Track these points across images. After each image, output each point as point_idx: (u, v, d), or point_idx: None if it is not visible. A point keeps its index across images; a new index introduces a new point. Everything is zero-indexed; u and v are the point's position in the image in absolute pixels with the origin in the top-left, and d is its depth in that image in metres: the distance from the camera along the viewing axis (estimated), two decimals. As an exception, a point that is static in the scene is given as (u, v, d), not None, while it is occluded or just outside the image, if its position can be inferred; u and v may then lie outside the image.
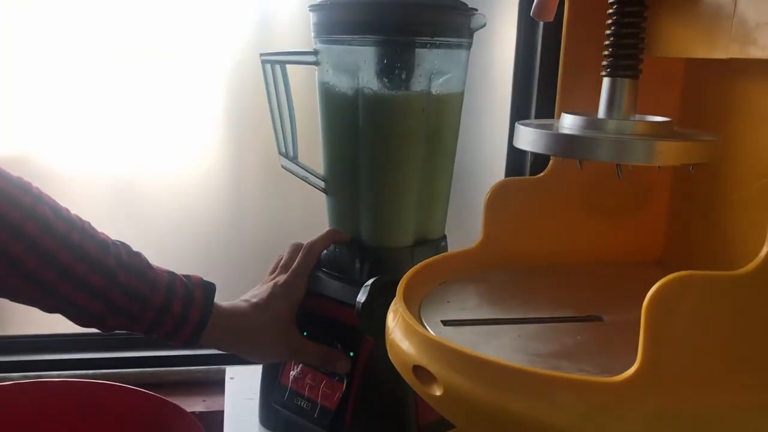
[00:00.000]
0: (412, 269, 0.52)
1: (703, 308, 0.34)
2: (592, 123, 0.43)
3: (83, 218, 0.60)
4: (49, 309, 0.60)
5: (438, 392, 0.39)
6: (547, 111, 1.01)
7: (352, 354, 0.68)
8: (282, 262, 0.72)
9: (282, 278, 0.69)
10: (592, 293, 0.53)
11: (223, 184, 1.04)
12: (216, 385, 1.06)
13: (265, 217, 1.06)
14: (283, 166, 0.73)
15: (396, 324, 0.45)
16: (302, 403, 0.70)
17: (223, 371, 1.06)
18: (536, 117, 1.03)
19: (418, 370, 0.41)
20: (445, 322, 0.46)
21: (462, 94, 0.71)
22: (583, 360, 0.41)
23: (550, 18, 0.62)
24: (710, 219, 0.55)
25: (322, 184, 0.72)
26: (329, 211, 0.73)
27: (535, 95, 0.99)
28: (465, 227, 0.88)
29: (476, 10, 0.68)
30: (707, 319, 0.34)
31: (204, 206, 1.04)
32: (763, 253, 0.33)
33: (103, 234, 0.61)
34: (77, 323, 0.61)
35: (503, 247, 0.57)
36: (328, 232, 0.71)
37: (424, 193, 0.69)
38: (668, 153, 0.40)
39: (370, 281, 0.57)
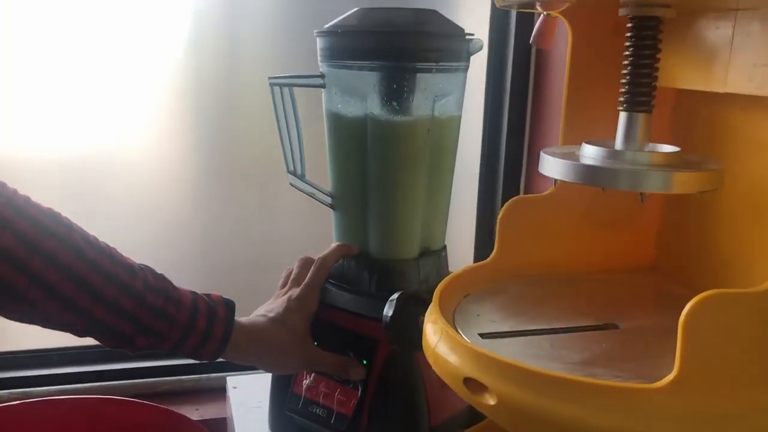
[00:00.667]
0: (441, 285, 0.56)
1: (730, 321, 0.39)
2: (613, 154, 0.48)
3: (109, 244, 0.62)
4: (83, 332, 0.62)
5: (492, 402, 0.43)
6: (518, 134, 1.08)
7: (365, 362, 0.71)
8: (292, 276, 0.75)
9: (296, 292, 0.73)
10: (601, 301, 0.59)
11: (187, 183, 1.06)
12: (208, 393, 1.09)
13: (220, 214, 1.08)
14: (291, 184, 0.76)
15: (440, 339, 0.49)
16: (317, 410, 0.73)
17: (215, 379, 1.09)
18: (508, 135, 1.09)
19: (469, 381, 0.45)
20: (483, 335, 0.50)
21: (460, 113, 0.75)
22: (614, 366, 0.46)
23: (549, 45, 0.67)
24: (697, 228, 0.61)
25: (329, 200, 0.76)
26: (336, 226, 0.77)
27: (506, 113, 1.05)
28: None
29: (473, 35, 0.72)
30: (733, 329, 0.39)
31: (168, 202, 1.06)
32: (779, 273, 0.39)
33: (129, 258, 0.64)
34: (109, 345, 0.63)
35: (516, 260, 0.62)
36: (338, 247, 0.74)
37: (428, 207, 0.74)
38: (685, 183, 0.46)
39: (396, 295, 0.61)
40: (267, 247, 1.09)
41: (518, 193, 1.13)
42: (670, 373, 0.40)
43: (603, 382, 0.41)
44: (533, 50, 1.07)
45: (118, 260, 0.62)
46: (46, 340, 1.02)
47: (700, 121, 0.59)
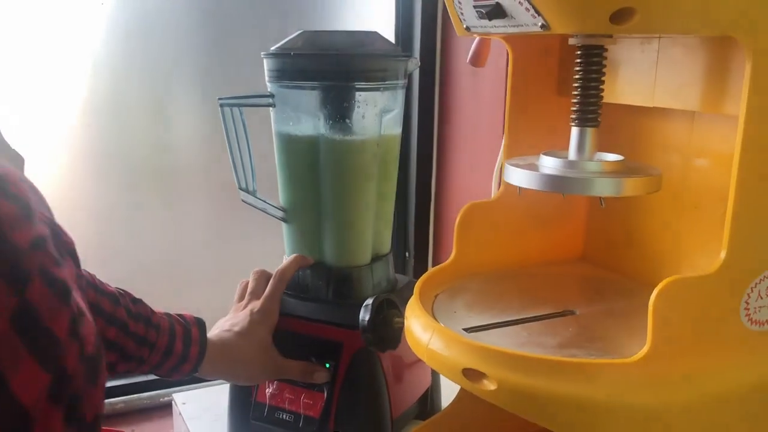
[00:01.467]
0: (417, 286, 0.61)
1: (689, 300, 0.48)
2: (569, 164, 0.56)
3: (88, 271, 0.63)
4: None
5: (492, 387, 0.49)
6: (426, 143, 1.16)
7: (327, 365, 0.75)
8: (249, 289, 0.78)
9: (257, 305, 0.75)
10: (552, 291, 0.66)
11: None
12: (142, 413, 1.08)
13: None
14: (242, 200, 0.79)
15: (432, 335, 0.54)
16: (284, 416, 0.76)
17: (147, 398, 1.09)
18: (418, 144, 1.17)
19: (468, 372, 0.51)
20: (467, 330, 0.56)
21: (400, 126, 0.81)
22: (586, 347, 0.53)
23: (483, 65, 0.74)
24: (619, 222, 0.71)
25: (280, 213, 0.79)
26: (288, 238, 0.80)
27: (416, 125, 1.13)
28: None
29: (411, 55, 0.78)
30: (692, 307, 0.48)
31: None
32: (722, 258, 0.48)
33: (109, 285, 0.64)
34: None
35: (471, 259, 0.68)
36: (295, 258, 0.78)
37: (377, 215, 0.79)
38: (633, 187, 0.54)
39: (370, 300, 0.65)
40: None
41: (429, 199, 1.21)
42: (634, 348, 0.48)
43: (587, 360, 0.49)
44: (438, 58, 1.15)
45: (102, 289, 0.62)
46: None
47: (623, 129, 0.68)
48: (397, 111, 0.78)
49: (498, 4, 0.49)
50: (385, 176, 0.79)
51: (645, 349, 0.47)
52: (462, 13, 0.54)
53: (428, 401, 0.86)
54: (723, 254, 0.48)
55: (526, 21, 0.48)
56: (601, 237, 0.74)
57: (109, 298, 0.62)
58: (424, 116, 1.16)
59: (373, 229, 0.79)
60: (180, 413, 0.89)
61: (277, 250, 0.83)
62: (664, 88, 0.58)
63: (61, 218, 0.34)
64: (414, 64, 0.78)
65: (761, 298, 0.50)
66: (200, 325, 0.69)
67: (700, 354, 0.49)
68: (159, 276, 1.08)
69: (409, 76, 1.14)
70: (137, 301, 0.65)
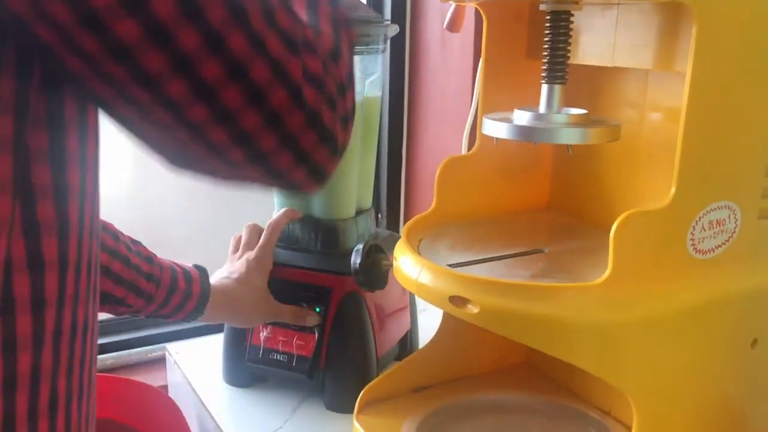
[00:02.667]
0: (404, 231, 0.68)
1: (642, 231, 0.55)
2: (539, 117, 0.63)
3: None
4: None
5: (475, 310, 0.57)
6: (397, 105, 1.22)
7: (318, 309, 0.82)
8: (243, 241, 0.84)
9: (252, 254, 0.81)
10: (524, 234, 0.74)
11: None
12: (130, 368, 1.13)
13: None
14: (235, 159, 0.84)
15: (421, 270, 0.61)
16: (278, 356, 0.83)
17: (135, 354, 1.14)
18: (390, 107, 1.23)
19: (454, 299, 0.58)
20: (451, 266, 0.63)
21: (380, 88, 0.87)
22: (555, 277, 0.61)
23: (459, 30, 0.80)
24: (581, 174, 0.78)
25: (271, 171, 0.84)
26: (278, 194, 0.86)
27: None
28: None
29: (389, 20, 0.84)
30: (644, 237, 0.56)
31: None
32: (672, 193, 0.55)
33: (110, 223, 0.69)
34: (104, 310, 0.68)
35: (450, 208, 0.75)
36: (285, 212, 0.84)
37: (360, 172, 0.85)
38: (595, 135, 0.61)
39: (360, 245, 0.72)
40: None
41: (400, 161, 1.28)
42: (596, 277, 0.56)
43: (558, 284, 0.56)
44: (407, 34, 1.21)
45: (104, 225, 0.67)
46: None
47: (588, 87, 0.75)
48: (378, 74, 0.85)
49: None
50: (367, 135, 0.85)
51: (606, 273, 0.55)
52: (444, -19, 0.60)
53: (408, 343, 0.93)
54: (673, 190, 0.56)
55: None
56: (565, 187, 0.82)
57: (110, 235, 0.66)
58: (395, 80, 1.22)
59: (358, 185, 0.85)
60: (175, 362, 0.95)
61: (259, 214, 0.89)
62: (622, 50, 0.65)
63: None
64: (393, 30, 0.84)
65: (704, 230, 0.58)
66: (199, 267, 0.75)
67: (654, 278, 0.57)
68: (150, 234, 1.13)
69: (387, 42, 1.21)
70: (136, 242, 0.70)
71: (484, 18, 0.73)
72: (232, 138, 0.37)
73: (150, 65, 0.32)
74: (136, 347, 1.14)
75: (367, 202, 0.89)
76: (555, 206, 0.83)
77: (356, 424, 0.74)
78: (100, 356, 1.09)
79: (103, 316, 1.02)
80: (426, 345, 0.80)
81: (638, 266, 0.56)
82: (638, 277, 0.56)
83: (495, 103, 0.75)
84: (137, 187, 1.14)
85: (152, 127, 0.37)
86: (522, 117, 0.63)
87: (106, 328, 1.12)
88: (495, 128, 0.63)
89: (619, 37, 0.66)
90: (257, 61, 0.35)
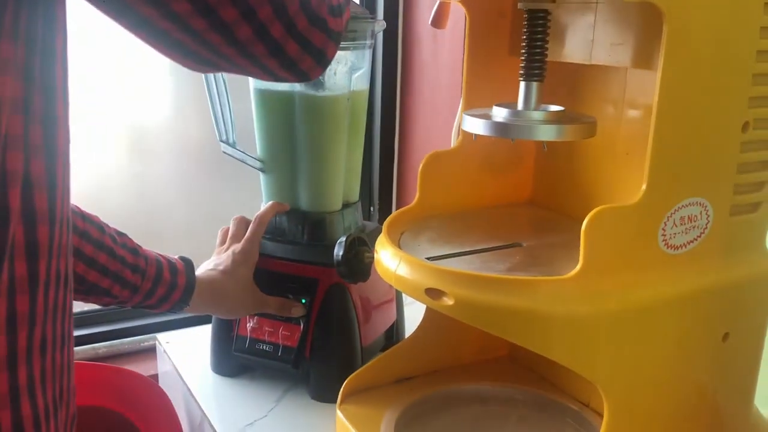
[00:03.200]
0: (385, 225, 0.69)
1: (613, 226, 0.57)
2: (516, 113, 0.64)
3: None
4: None
5: (450, 302, 0.58)
6: (390, 100, 1.23)
7: (303, 300, 0.84)
8: (230, 233, 0.85)
9: (238, 246, 0.83)
10: (502, 228, 0.75)
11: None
12: (127, 357, 1.15)
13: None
14: (223, 151, 0.85)
15: (399, 263, 0.62)
16: (264, 347, 0.85)
17: (129, 343, 1.16)
18: (382, 102, 1.24)
19: (429, 291, 0.59)
20: (429, 258, 0.64)
21: (368, 83, 0.88)
22: (531, 271, 0.62)
23: (444, 27, 0.82)
24: (563, 170, 0.79)
25: (259, 164, 0.86)
26: (266, 187, 0.87)
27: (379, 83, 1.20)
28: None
29: (376, 17, 0.85)
30: (615, 232, 0.57)
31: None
32: (643, 190, 0.57)
33: (96, 216, 0.70)
34: (88, 300, 0.70)
35: (432, 203, 0.76)
36: (272, 205, 0.85)
37: (347, 165, 0.86)
38: (571, 132, 0.62)
39: (343, 238, 0.73)
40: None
41: (393, 156, 1.29)
42: (571, 270, 0.57)
43: (530, 277, 0.57)
44: (399, 30, 1.22)
45: (89, 219, 0.68)
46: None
47: (568, 84, 0.76)
48: (365, 69, 0.86)
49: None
50: (354, 129, 0.86)
51: (578, 267, 0.56)
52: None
53: (394, 335, 0.94)
54: (643, 187, 0.57)
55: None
56: (547, 182, 0.83)
57: (95, 227, 0.68)
58: (388, 74, 1.23)
59: (344, 178, 0.87)
60: (164, 351, 0.97)
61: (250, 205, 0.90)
62: (600, 48, 0.67)
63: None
64: (380, 26, 0.85)
65: (675, 226, 0.60)
66: (184, 259, 0.76)
67: (626, 272, 0.58)
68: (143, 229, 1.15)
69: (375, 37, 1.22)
70: (122, 234, 0.72)
71: (466, 15, 0.74)
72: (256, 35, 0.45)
73: None
74: (129, 337, 1.16)
75: (355, 195, 0.90)
76: (537, 201, 0.84)
77: (339, 413, 0.75)
78: (93, 345, 1.11)
79: (95, 307, 1.04)
80: (409, 336, 0.82)
81: (609, 261, 0.57)
82: (609, 272, 0.57)
83: (478, 98, 0.76)
84: (134, 174, 1.15)
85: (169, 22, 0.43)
86: (499, 113, 0.64)
87: (99, 318, 1.14)
88: (472, 124, 0.64)
89: (598, 35, 0.67)
90: None
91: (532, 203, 0.85)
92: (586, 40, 0.68)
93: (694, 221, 0.61)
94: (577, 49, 0.69)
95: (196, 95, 0.83)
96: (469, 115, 0.65)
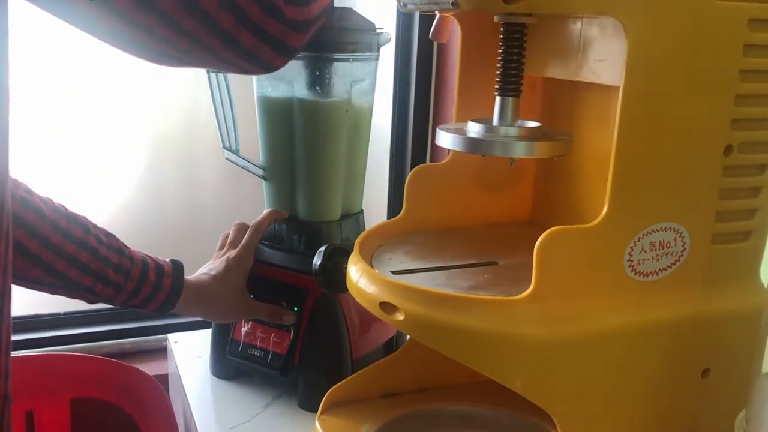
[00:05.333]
0: (361, 236, 0.69)
1: (570, 249, 0.54)
2: (490, 129, 0.63)
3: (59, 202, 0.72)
4: (49, 287, 0.71)
5: (401, 317, 0.57)
6: (422, 113, 1.22)
7: (296, 309, 0.84)
8: (229, 239, 0.87)
9: (233, 253, 0.84)
10: (487, 246, 0.73)
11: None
12: (147, 354, 1.19)
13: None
14: (226, 158, 0.87)
15: (360, 276, 0.62)
16: (255, 352, 0.86)
17: (153, 341, 1.20)
18: (415, 117, 1.24)
19: (383, 305, 0.58)
20: (394, 272, 0.64)
21: (373, 95, 0.88)
22: (492, 289, 0.60)
23: (444, 40, 0.80)
24: (562, 189, 0.77)
25: (261, 172, 0.87)
26: (267, 194, 0.89)
27: (412, 97, 1.20)
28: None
29: (383, 29, 0.85)
30: (572, 255, 0.54)
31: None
32: (604, 212, 0.54)
33: (83, 217, 0.73)
34: (72, 296, 0.72)
35: (419, 217, 0.75)
36: (269, 212, 0.86)
37: (347, 176, 0.87)
38: (542, 149, 0.60)
39: (323, 248, 0.73)
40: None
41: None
42: (534, 291, 0.55)
43: (480, 296, 0.56)
44: (435, 43, 1.21)
45: (74, 219, 0.71)
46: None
47: (562, 101, 0.74)
48: (369, 81, 0.86)
49: (418, -17, 0.56)
50: (355, 140, 0.86)
51: (529, 290, 0.54)
52: (397, -9, 0.61)
53: (393, 348, 0.93)
54: (605, 209, 0.55)
55: (441, -1, 0.55)
56: (547, 201, 0.80)
57: (80, 227, 0.70)
58: (421, 79, 1.23)
59: (343, 189, 0.87)
60: (171, 350, 0.99)
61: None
62: (585, 64, 0.64)
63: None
64: (386, 38, 0.85)
65: (644, 251, 0.57)
66: (174, 262, 0.78)
67: (586, 297, 0.56)
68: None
69: (406, 56, 1.22)
70: (110, 235, 0.74)
71: (459, 29, 0.73)
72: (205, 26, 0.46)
73: None
74: (155, 335, 1.19)
75: (357, 206, 0.90)
76: (537, 221, 0.82)
77: (317, 423, 0.75)
78: (119, 341, 1.14)
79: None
80: (397, 351, 0.81)
81: (567, 284, 0.55)
82: (567, 296, 0.55)
83: (470, 113, 0.74)
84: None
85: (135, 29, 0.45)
86: (473, 129, 0.63)
87: (130, 315, 1.18)
88: (444, 140, 0.63)
89: (582, 51, 0.64)
90: None
91: (531, 223, 0.82)
92: (570, 56, 0.65)
93: (667, 248, 0.57)
94: (563, 64, 0.67)
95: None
96: (442, 129, 0.64)
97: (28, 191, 0.68)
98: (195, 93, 1.15)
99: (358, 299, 0.63)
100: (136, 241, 1.13)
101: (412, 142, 1.25)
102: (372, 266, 0.66)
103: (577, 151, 0.73)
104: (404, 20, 1.21)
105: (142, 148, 1.16)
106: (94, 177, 1.12)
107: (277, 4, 0.50)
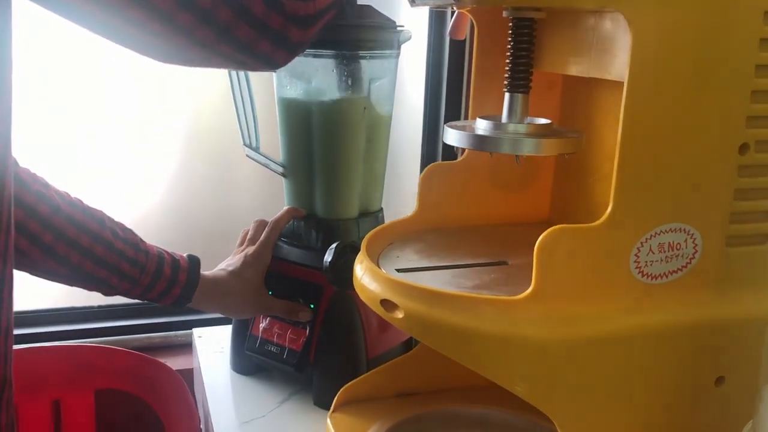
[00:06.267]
0: (368, 234, 0.69)
1: (572, 248, 0.53)
2: (498, 126, 0.61)
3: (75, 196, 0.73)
4: (64, 278, 0.73)
5: (400, 315, 0.56)
6: (454, 111, 1.21)
7: (312, 306, 0.84)
8: (249, 235, 0.88)
9: (251, 249, 0.85)
10: (499, 246, 0.72)
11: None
12: (175, 348, 1.21)
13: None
14: (247, 155, 0.88)
15: (364, 273, 0.62)
16: (272, 348, 0.86)
17: (182, 336, 1.21)
18: (446, 115, 1.22)
19: (384, 302, 0.58)
20: (399, 270, 0.63)
21: (393, 93, 0.88)
22: (497, 289, 0.59)
23: (462, 37, 0.80)
24: (581, 189, 0.75)
25: (281, 169, 0.88)
26: (287, 192, 0.89)
27: (444, 95, 1.18)
28: (388, 200, 1.06)
29: (403, 26, 0.85)
30: (575, 255, 0.53)
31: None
32: (608, 211, 0.52)
33: (99, 211, 0.74)
34: (88, 288, 0.74)
35: (433, 215, 0.75)
36: (288, 210, 0.87)
37: (365, 174, 0.86)
38: (549, 146, 0.59)
39: (334, 245, 0.73)
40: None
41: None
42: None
43: (478, 295, 0.55)
44: (467, 42, 1.20)
45: (90, 213, 0.73)
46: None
47: (580, 99, 0.72)
48: (388, 79, 0.85)
49: (423, -21, 0.56)
50: (375, 138, 0.86)
51: (529, 290, 0.53)
52: (404, -13, 0.61)
53: (412, 346, 0.93)
54: (609, 209, 0.53)
55: (444, -7, 0.54)
56: (566, 201, 0.78)
57: (96, 221, 0.72)
58: (451, 106, 1.21)
59: (362, 187, 0.87)
60: (195, 345, 1.01)
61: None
62: (597, 61, 0.63)
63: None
64: (406, 36, 0.85)
65: (653, 252, 0.55)
66: (190, 257, 0.79)
67: (589, 298, 0.54)
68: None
69: (438, 54, 1.21)
70: (126, 230, 0.75)
71: (474, 24, 0.72)
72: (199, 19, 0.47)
73: None
74: (184, 329, 1.21)
75: (375, 204, 0.90)
76: (556, 221, 0.80)
77: (328, 421, 0.75)
78: (149, 334, 1.17)
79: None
80: (413, 350, 0.80)
81: (567, 284, 0.54)
82: (568, 296, 0.54)
83: (486, 108, 0.73)
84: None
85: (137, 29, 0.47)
86: (480, 126, 0.62)
87: (149, 311, 1.20)
88: (451, 137, 0.62)
89: (597, 47, 0.63)
90: None
91: (550, 223, 0.80)
92: (584, 52, 0.64)
93: (677, 249, 0.55)
94: (576, 61, 0.65)
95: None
96: (449, 127, 0.63)
97: (45, 185, 0.70)
98: (226, 91, 1.16)
99: (362, 296, 0.62)
100: (169, 239, 1.16)
101: (443, 142, 1.24)
102: (378, 263, 0.66)
103: (596, 150, 0.71)
104: (436, 18, 1.20)
105: (174, 148, 1.18)
106: (127, 177, 1.15)
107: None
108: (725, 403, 0.59)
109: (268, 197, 1.22)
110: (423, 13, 1.20)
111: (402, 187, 1.16)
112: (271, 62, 0.54)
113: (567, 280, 0.54)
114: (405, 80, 1.23)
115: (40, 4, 0.45)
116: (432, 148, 1.27)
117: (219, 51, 0.51)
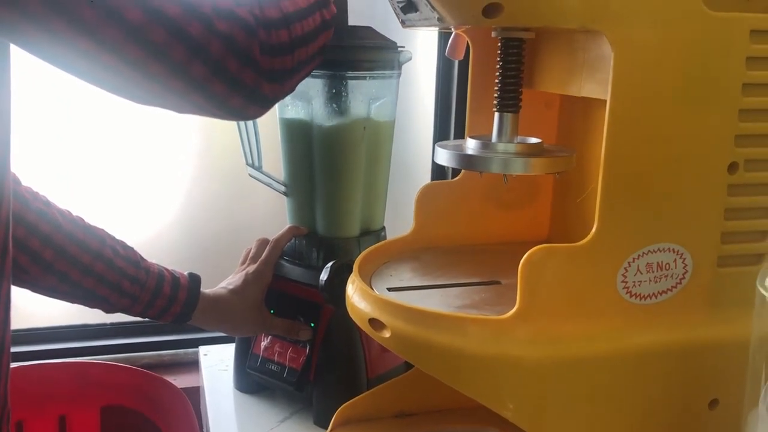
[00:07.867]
0: (362, 253, 0.69)
1: (558, 268, 0.53)
2: (487, 145, 0.62)
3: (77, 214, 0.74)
4: (65, 295, 0.74)
5: (387, 335, 0.56)
6: (463, 130, 1.21)
7: (312, 324, 0.84)
8: (251, 254, 0.88)
9: (252, 267, 0.86)
10: (494, 265, 0.72)
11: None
12: (183, 366, 1.22)
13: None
14: (249, 175, 0.89)
15: (354, 291, 0.62)
16: (273, 366, 0.86)
17: (191, 354, 1.22)
18: (455, 133, 1.22)
19: (372, 321, 0.58)
20: (390, 289, 0.63)
21: (394, 113, 0.88)
22: (485, 309, 0.59)
23: (460, 57, 0.80)
24: (580, 208, 0.74)
25: (283, 188, 0.89)
26: (289, 210, 0.90)
27: (453, 113, 1.19)
28: (399, 219, 1.07)
29: (403, 47, 0.86)
30: (561, 274, 0.53)
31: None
32: (593, 231, 0.52)
33: (101, 229, 0.75)
34: (89, 305, 0.75)
35: (430, 234, 0.75)
36: (289, 228, 0.87)
37: (367, 193, 0.87)
38: (538, 165, 0.59)
39: (330, 264, 0.74)
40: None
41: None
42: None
43: (465, 315, 0.55)
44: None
45: (92, 231, 0.74)
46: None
47: (577, 117, 0.72)
48: (388, 98, 0.86)
49: (409, 0, 0.56)
50: (375, 158, 0.87)
51: (514, 310, 0.53)
52: (394, 9, 0.61)
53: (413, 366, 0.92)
54: (594, 228, 0.53)
55: (429, 15, 0.55)
56: (566, 220, 0.78)
57: (96, 239, 0.73)
58: (460, 126, 1.22)
59: (363, 206, 0.87)
60: (201, 363, 1.01)
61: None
62: (589, 80, 0.62)
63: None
64: (407, 57, 0.86)
65: (640, 273, 0.54)
66: (192, 276, 0.80)
67: (576, 318, 0.54)
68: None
69: (446, 74, 1.21)
70: (128, 248, 0.76)
71: (470, 44, 0.73)
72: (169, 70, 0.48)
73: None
74: (193, 347, 1.22)
75: (377, 223, 0.90)
76: (555, 240, 0.80)
77: (325, 440, 0.75)
78: (159, 352, 1.17)
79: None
80: (411, 371, 0.80)
81: (554, 304, 0.53)
82: (554, 316, 0.53)
83: (482, 128, 0.73)
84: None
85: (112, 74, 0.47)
86: (470, 145, 0.62)
87: (158, 329, 1.20)
88: (441, 156, 0.62)
89: (588, 67, 0.63)
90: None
91: (549, 242, 0.80)
92: (575, 71, 0.64)
93: (666, 269, 0.55)
94: (568, 80, 0.65)
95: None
96: (439, 146, 0.63)
97: (46, 203, 0.71)
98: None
99: (351, 315, 0.62)
100: (182, 257, 1.17)
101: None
102: (371, 283, 0.66)
103: (594, 168, 0.70)
104: (445, 38, 1.21)
105: (186, 165, 1.20)
106: (140, 196, 1.16)
107: (253, 55, 0.50)
108: (720, 426, 0.58)
109: (282, 215, 1.23)
110: (432, 34, 1.21)
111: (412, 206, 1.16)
112: (243, 115, 0.54)
113: (553, 299, 0.53)
114: (415, 99, 1.24)
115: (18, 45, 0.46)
116: (442, 167, 1.27)
117: (192, 101, 0.51)
